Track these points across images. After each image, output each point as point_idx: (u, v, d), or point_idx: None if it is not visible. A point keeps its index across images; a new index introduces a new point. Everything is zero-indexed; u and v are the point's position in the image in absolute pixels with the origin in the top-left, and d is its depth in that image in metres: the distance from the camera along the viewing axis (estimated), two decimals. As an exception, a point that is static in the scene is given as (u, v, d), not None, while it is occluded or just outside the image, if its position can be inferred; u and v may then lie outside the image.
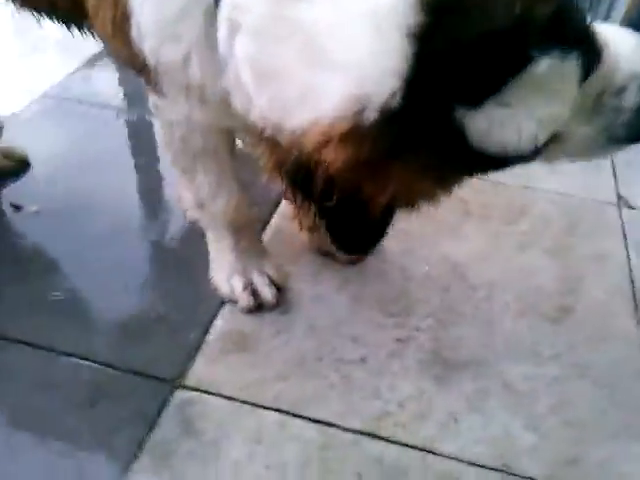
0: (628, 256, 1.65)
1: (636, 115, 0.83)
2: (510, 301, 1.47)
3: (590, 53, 0.78)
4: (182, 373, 1.27)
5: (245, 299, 1.39)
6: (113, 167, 1.82)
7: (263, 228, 1.63)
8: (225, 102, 0.97)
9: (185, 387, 1.25)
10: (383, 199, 0.82)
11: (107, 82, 2.25)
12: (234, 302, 1.41)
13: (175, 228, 1.59)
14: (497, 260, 1.58)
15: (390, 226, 0.98)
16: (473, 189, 1.76)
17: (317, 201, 0.88)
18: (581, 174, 1.90)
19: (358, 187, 0.81)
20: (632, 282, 1.56)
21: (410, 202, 0.89)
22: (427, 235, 1.65)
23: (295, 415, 1.20)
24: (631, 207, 1.85)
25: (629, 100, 0.83)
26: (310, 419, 1.20)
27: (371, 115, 0.74)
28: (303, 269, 1.51)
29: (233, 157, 1.29)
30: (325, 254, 1.55)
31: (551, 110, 0.74)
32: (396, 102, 0.73)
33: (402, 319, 1.41)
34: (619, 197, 1.89)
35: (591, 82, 0.80)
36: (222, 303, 1.43)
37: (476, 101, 0.72)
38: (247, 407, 1.22)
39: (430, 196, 0.88)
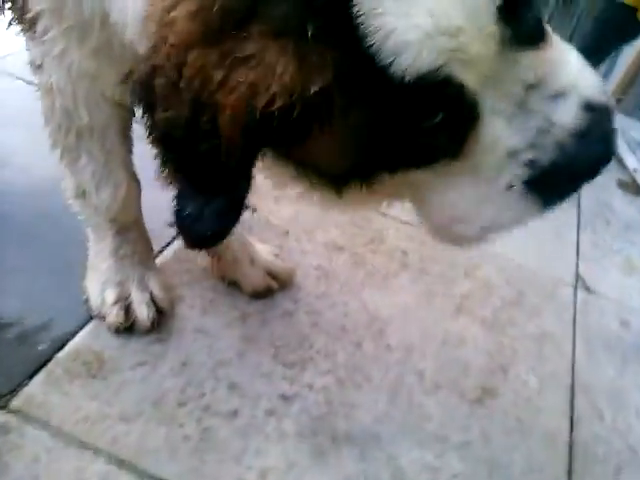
0: (574, 344, 1.45)
1: (575, 142, 0.65)
2: (426, 371, 1.25)
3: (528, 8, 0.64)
4: (12, 392, 1.04)
5: (114, 315, 1.17)
6: None
7: (169, 243, 1.42)
8: (107, 37, 0.83)
9: (7, 409, 1.01)
10: (237, 101, 0.60)
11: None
12: (102, 317, 1.18)
13: (54, 221, 1.36)
14: (424, 321, 1.37)
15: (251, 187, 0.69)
16: (415, 240, 1.58)
17: (159, 115, 0.65)
18: (540, 244, 1.72)
19: (205, 79, 0.61)
20: (573, 374, 1.36)
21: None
22: (352, 279, 1.44)
23: (128, 467, 0.97)
24: (589, 290, 1.66)
25: (564, 115, 0.65)
26: (145, 475, 0.97)
27: None
28: (196, 295, 1.29)
29: (126, 140, 1.09)
30: (231, 283, 1.33)
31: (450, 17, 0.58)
32: None
33: (295, 372, 1.19)
34: (578, 277, 1.70)
35: (522, 59, 0.64)
36: (90, 317, 1.20)
37: None
38: (73, 447, 0.98)
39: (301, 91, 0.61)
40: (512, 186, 0.68)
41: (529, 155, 0.66)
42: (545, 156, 0.66)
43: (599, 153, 0.69)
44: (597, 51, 2.53)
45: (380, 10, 0.58)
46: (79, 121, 1.02)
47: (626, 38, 2.66)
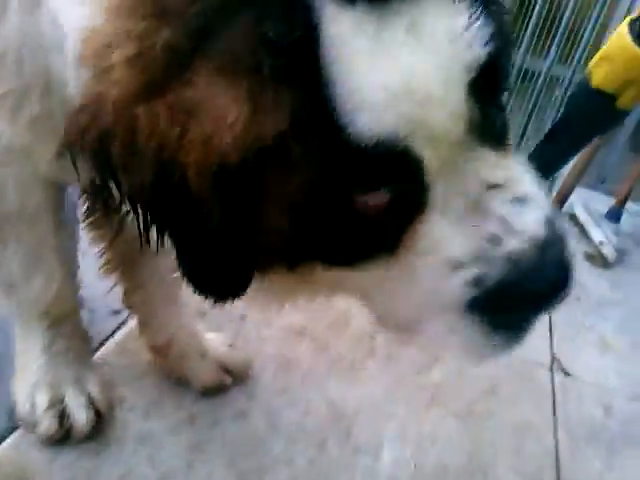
0: (556, 433, 1.34)
1: (532, 256, 0.54)
2: (399, 476, 1.12)
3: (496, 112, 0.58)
4: None
5: (46, 424, 1.02)
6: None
7: (107, 338, 1.29)
8: (49, 104, 0.74)
9: None
10: (197, 159, 0.51)
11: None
12: (32, 426, 1.03)
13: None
14: (394, 417, 1.25)
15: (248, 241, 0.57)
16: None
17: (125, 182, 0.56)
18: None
19: (161, 140, 0.52)
20: (558, 469, 1.24)
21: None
22: (314, 369, 1.32)
23: None
24: (566, 373, 1.57)
25: (529, 220, 0.55)
26: None
27: None
28: (139, 394, 1.15)
29: (60, 223, 0.98)
30: (177, 380, 1.20)
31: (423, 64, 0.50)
32: None
33: (251, 483, 1.05)
34: (553, 359, 1.61)
35: (487, 156, 0.55)
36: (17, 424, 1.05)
37: None
38: None
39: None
40: (455, 306, 0.56)
41: (475, 270, 0.54)
42: (494, 272, 0.54)
43: (557, 275, 0.57)
44: (571, 143, 2.28)
45: (348, 58, 0.49)
46: (7, 205, 0.90)
47: (602, 129, 2.33)
